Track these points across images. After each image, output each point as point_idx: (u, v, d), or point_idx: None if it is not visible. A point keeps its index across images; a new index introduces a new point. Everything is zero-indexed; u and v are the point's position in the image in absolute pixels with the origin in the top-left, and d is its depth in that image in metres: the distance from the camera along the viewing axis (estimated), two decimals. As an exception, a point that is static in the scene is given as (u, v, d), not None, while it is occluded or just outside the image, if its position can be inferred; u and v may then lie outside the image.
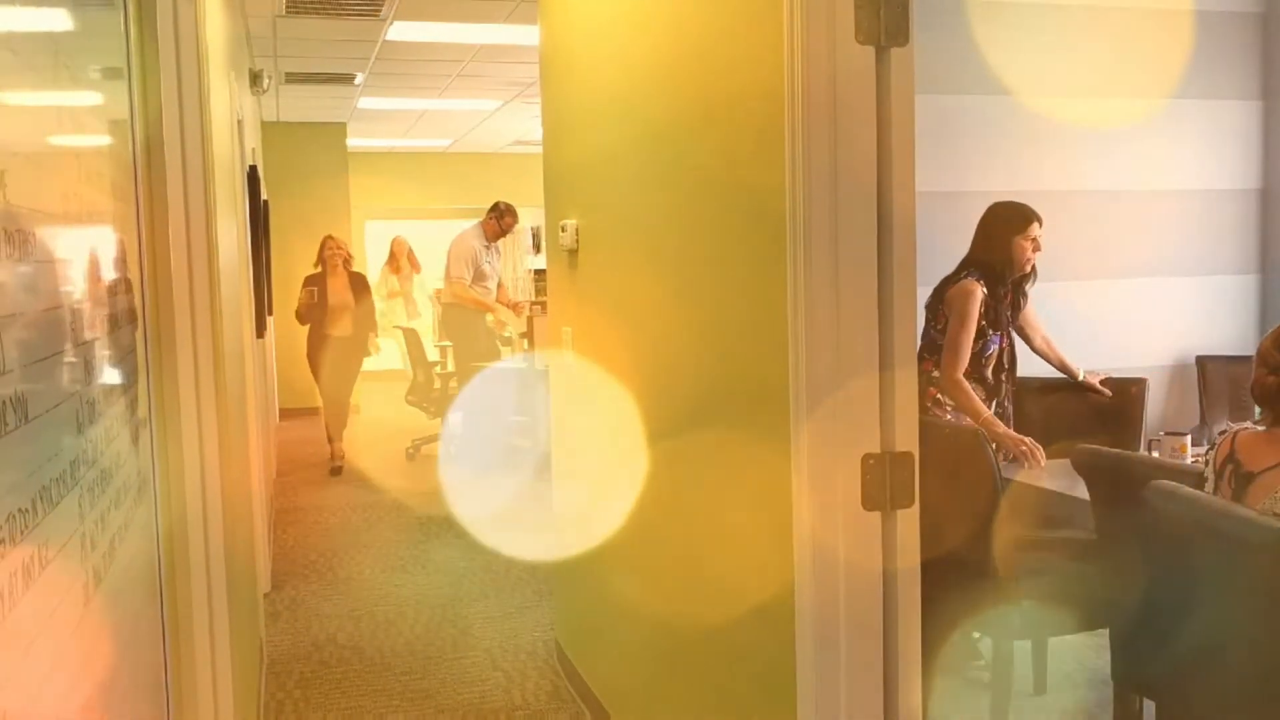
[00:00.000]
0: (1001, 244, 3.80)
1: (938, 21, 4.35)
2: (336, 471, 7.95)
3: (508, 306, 8.62)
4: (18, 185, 1.06)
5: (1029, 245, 3.81)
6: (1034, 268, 3.87)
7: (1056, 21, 4.57)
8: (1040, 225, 3.82)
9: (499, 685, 4.03)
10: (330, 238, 8.19)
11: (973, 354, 3.78)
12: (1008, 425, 3.85)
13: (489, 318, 8.37)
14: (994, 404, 3.86)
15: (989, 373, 3.84)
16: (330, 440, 8.17)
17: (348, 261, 8.18)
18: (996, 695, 3.26)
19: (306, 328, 8.14)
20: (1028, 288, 3.92)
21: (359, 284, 8.17)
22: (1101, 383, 4.14)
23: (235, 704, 2.39)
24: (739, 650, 2.55)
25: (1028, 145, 4.62)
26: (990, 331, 3.81)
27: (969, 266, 3.83)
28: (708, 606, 2.71)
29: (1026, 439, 3.66)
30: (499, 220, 8.14)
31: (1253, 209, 4.93)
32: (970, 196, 4.44)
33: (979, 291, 3.76)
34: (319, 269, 8.08)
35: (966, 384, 3.75)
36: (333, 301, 7.94)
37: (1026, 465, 3.60)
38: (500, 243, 8.45)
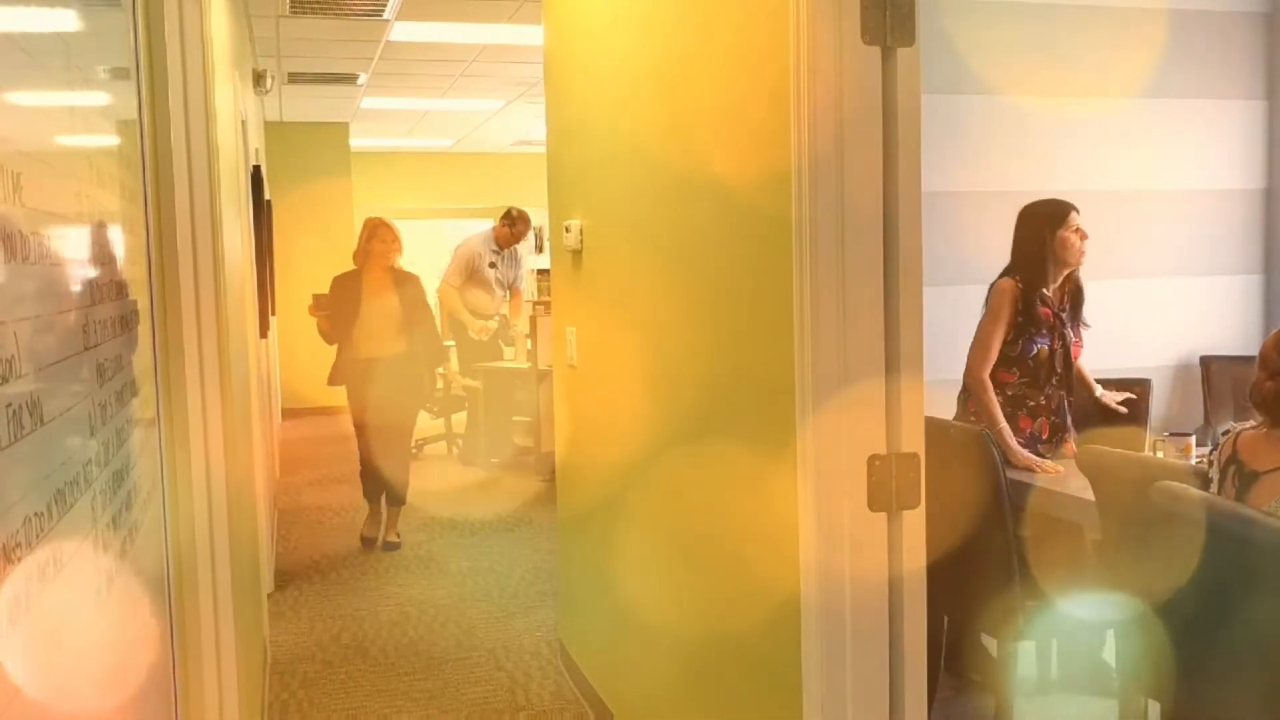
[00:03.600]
0: (1040, 242, 3.69)
1: (940, 21, 4.34)
2: (369, 544, 5.98)
3: (506, 316, 8.36)
4: (32, 188, 1.06)
5: (1073, 236, 3.69)
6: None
7: (1060, 21, 4.57)
8: (1078, 213, 3.71)
9: (503, 685, 4.03)
10: (382, 223, 5.80)
11: (1016, 354, 3.68)
12: (1065, 436, 3.75)
13: (486, 321, 8.24)
14: (1049, 414, 3.73)
15: (1040, 375, 3.72)
16: (367, 496, 6.11)
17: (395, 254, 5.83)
18: (1001, 696, 3.26)
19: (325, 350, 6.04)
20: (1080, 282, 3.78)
21: (409, 287, 5.77)
22: (1109, 386, 4.10)
23: (240, 704, 2.40)
24: (744, 650, 2.55)
25: (1031, 145, 4.62)
26: (1033, 330, 3.69)
27: (1010, 270, 3.73)
28: (712, 607, 2.71)
29: (1034, 459, 3.56)
30: (510, 227, 8.11)
31: (1257, 209, 4.92)
32: (971, 196, 4.44)
33: (1013, 289, 3.66)
34: (356, 265, 5.83)
35: (991, 386, 3.64)
36: (366, 309, 5.63)
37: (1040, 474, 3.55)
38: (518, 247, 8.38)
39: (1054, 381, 3.75)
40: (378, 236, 5.75)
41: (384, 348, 5.70)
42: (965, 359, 3.72)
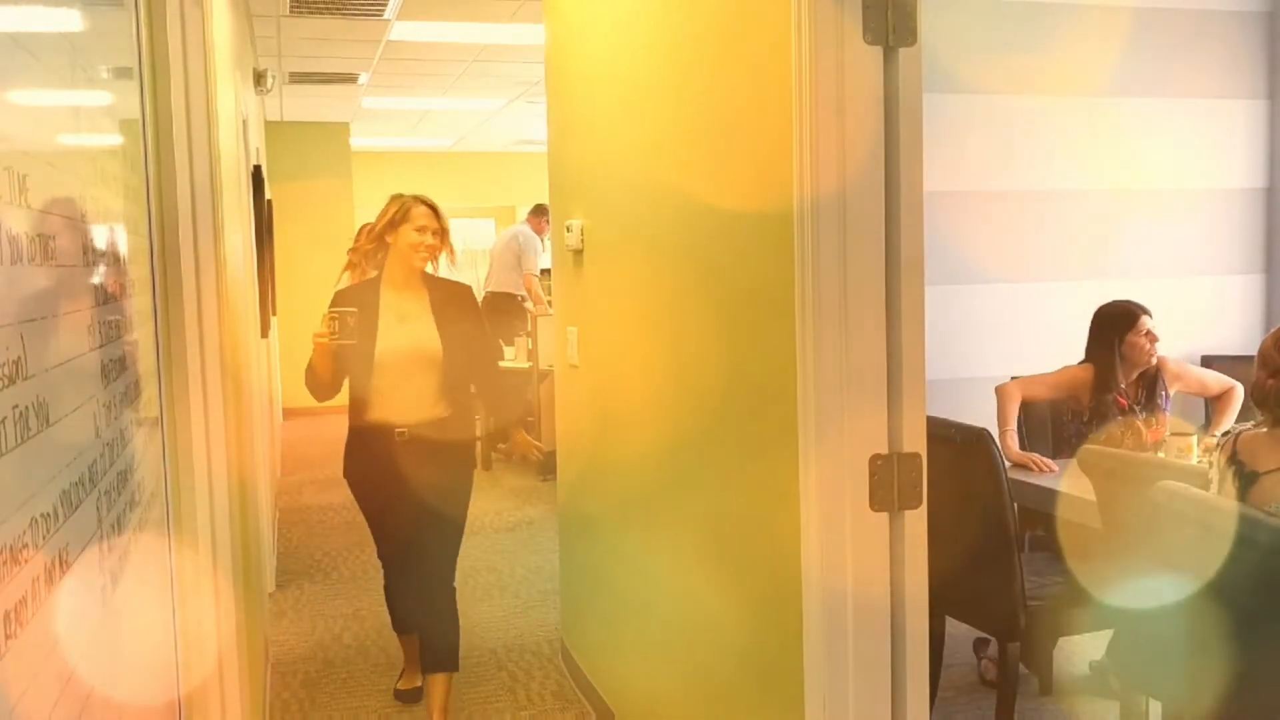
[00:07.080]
0: (1109, 346, 3.84)
1: (939, 20, 4.34)
2: (409, 699, 3.85)
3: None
4: (37, 189, 1.07)
5: (1142, 341, 3.82)
6: (1155, 360, 3.87)
7: (1061, 20, 4.57)
8: (1150, 317, 3.83)
9: (504, 685, 4.03)
10: (418, 201, 3.46)
11: (1090, 433, 3.81)
12: None
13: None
14: None
15: None
16: (397, 628, 3.97)
17: (442, 254, 3.49)
18: (1002, 697, 3.26)
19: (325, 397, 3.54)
20: (1171, 390, 3.91)
21: (459, 303, 3.53)
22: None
23: (242, 703, 2.40)
24: (746, 649, 2.55)
25: (1033, 145, 4.62)
26: (1104, 414, 3.84)
27: (1086, 361, 3.90)
28: (714, 606, 2.71)
29: (1032, 455, 3.69)
30: (540, 219, 8.72)
31: (1259, 208, 4.93)
32: (971, 196, 4.45)
33: (1085, 379, 3.84)
34: (376, 272, 3.51)
35: (1016, 400, 3.80)
36: (384, 346, 3.37)
37: (1036, 471, 3.62)
38: None
39: None
40: (411, 220, 3.42)
41: (416, 409, 3.43)
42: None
